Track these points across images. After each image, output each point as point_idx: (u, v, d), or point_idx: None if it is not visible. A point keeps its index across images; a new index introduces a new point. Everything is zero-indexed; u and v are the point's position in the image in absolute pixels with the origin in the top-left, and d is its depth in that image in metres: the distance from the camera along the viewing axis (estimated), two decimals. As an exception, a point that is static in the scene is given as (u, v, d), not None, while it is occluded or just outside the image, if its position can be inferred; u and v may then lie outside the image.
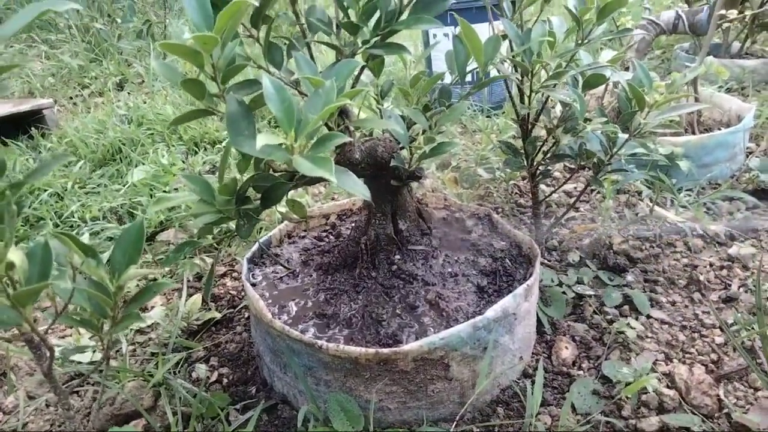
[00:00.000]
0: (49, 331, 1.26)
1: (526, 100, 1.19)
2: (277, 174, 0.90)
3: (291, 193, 1.01)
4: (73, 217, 1.63)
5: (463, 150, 1.93)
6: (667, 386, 1.01)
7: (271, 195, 0.87)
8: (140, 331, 1.22)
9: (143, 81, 3.07)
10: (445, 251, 1.14)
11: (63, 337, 1.25)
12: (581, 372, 1.07)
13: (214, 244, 1.50)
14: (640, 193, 1.65)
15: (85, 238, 1.40)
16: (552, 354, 1.11)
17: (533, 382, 1.03)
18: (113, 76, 3.06)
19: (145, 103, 2.51)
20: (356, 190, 0.74)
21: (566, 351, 1.11)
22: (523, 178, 1.82)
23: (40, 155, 2.06)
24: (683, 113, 1.41)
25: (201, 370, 1.10)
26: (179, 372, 1.08)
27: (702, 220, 1.40)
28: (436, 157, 1.84)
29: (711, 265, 1.36)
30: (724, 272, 1.33)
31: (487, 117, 2.25)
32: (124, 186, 1.80)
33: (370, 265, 1.07)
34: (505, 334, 1.00)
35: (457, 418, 0.93)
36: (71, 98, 2.87)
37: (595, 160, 1.23)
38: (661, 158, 1.52)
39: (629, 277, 1.32)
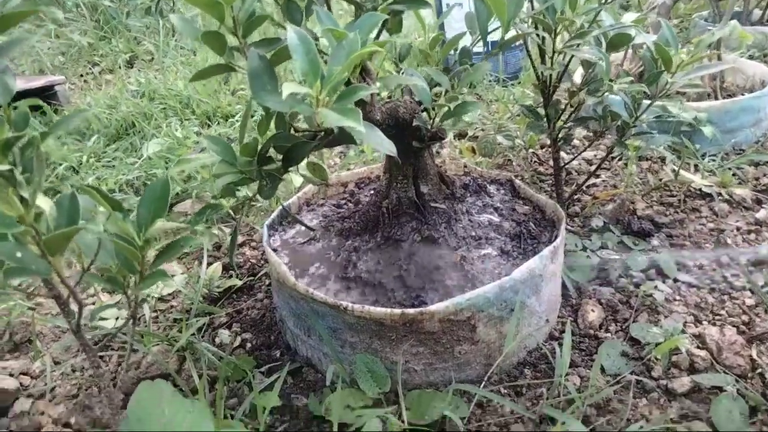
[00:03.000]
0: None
1: (548, 60, 1.16)
2: (298, 134, 0.88)
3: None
4: (90, 190, 1.62)
5: (480, 120, 1.90)
6: (698, 347, 0.99)
7: (293, 155, 0.85)
8: (162, 299, 1.22)
9: (153, 58, 3.05)
10: (468, 215, 1.12)
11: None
12: (608, 334, 1.06)
13: (231, 213, 1.49)
14: (663, 159, 1.62)
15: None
16: (578, 317, 1.10)
17: (560, 344, 1.02)
18: (123, 53, 3.04)
19: (156, 78, 2.49)
20: (382, 146, 0.72)
21: (593, 314, 1.09)
22: (542, 147, 1.79)
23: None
24: (710, 72, 1.37)
25: (224, 335, 1.09)
26: (203, 337, 1.07)
27: (729, 185, 1.37)
28: (454, 127, 1.81)
29: (738, 229, 1.33)
30: (752, 236, 1.30)
31: (504, 87, 2.22)
32: (139, 159, 1.79)
33: (392, 228, 1.05)
34: (531, 296, 0.98)
35: (485, 379, 0.92)
36: (81, 76, 2.86)
37: (619, 122, 1.20)
38: (686, 121, 1.49)
39: (654, 242, 1.30)
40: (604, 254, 1.23)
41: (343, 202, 1.30)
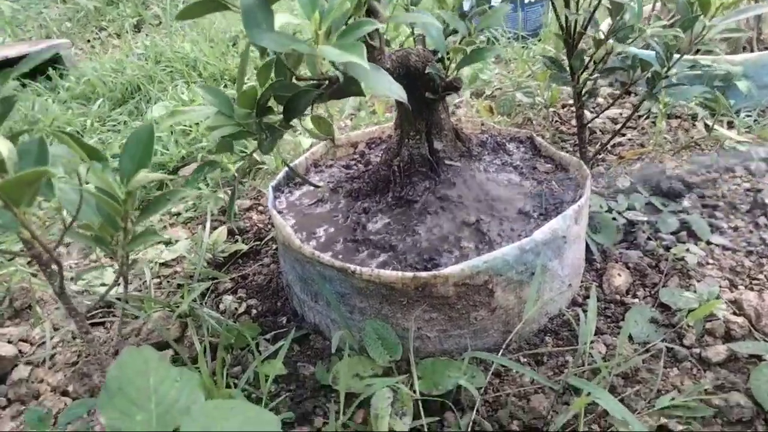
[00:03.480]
0: (72, 265, 1.22)
1: (573, 4, 1.07)
2: (300, 83, 0.81)
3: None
4: (94, 154, 1.57)
5: (497, 78, 1.81)
6: (734, 313, 0.92)
7: (295, 105, 0.78)
8: (165, 264, 1.17)
9: (160, 23, 2.97)
10: (486, 174, 1.04)
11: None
12: (636, 300, 0.99)
13: (232, 170, 1.44)
14: (694, 117, 1.52)
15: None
16: (603, 282, 1.03)
17: (584, 310, 0.96)
18: (130, 17, 2.96)
19: (162, 41, 2.42)
20: (390, 90, 0.65)
21: (619, 278, 1.02)
22: (563, 106, 1.69)
23: (58, 95, 2.00)
24: (750, 15, 1.26)
25: (228, 301, 1.04)
26: (206, 303, 1.03)
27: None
28: (470, 85, 1.73)
29: (776, 189, 1.24)
30: (792, 196, 1.21)
31: (523, 47, 2.11)
32: (145, 122, 1.73)
33: (404, 187, 0.99)
34: (553, 259, 0.91)
35: (503, 346, 0.86)
36: (88, 41, 2.79)
37: (650, 73, 1.11)
38: (719, 75, 1.39)
39: (685, 203, 1.21)
40: (631, 215, 1.15)
41: (353, 163, 1.23)
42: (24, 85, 2.10)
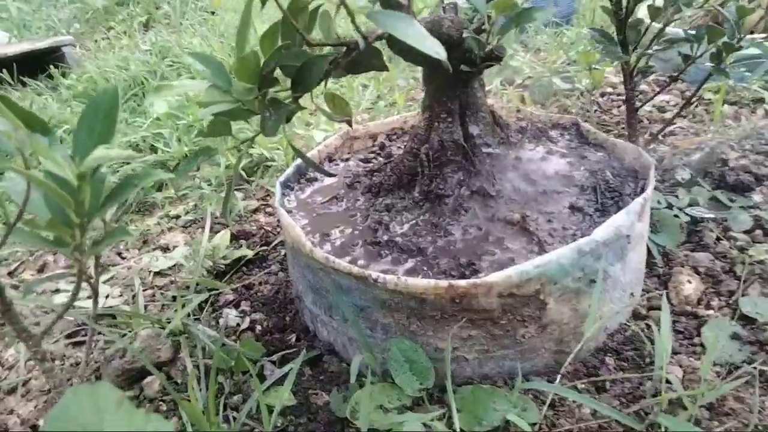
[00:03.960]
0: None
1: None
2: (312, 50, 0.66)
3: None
4: (90, 153, 1.44)
5: (529, 67, 1.65)
6: (840, 328, 0.75)
7: (305, 76, 0.64)
8: (160, 273, 1.04)
9: (170, 22, 2.86)
10: (529, 164, 0.89)
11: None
12: (711, 311, 0.83)
13: (245, 177, 1.30)
14: (756, 101, 1.35)
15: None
16: (670, 290, 0.87)
17: (649, 325, 0.80)
18: (140, 16, 2.86)
19: (170, 38, 2.30)
20: (424, 45, 0.51)
21: (689, 286, 0.86)
22: (602, 95, 1.53)
23: (60, 94, 1.88)
24: None
25: (230, 316, 0.90)
26: (203, 319, 0.88)
27: None
28: (500, 74, 1.57)
29: None
30: None
31: (555, 33, 1.95)
32: (147, 120, 1.61)
33: (433, 180, 0.84)
34: (615, 263, 0.76)
35: (561, 371, 0.71)
36: (96, 41, 2.69)
37: (720, 44, 0.95)
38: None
39: (756, 197, 1.05)
40: (695, 212, 0.99)
41: (372, 156, 1.08)
42: (24, 84, 2.00)
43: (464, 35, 0.71)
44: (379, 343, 0.75)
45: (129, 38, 2.64)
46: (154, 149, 1.46)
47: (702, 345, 0.78)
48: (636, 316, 0.84)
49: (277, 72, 0.67)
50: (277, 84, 0.63)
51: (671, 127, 1.31)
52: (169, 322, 0.82)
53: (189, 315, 0.88)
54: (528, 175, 0.87)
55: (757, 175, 1.10)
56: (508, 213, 0.80)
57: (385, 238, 0.79)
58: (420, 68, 0.87)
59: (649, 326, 0.81)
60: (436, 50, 0.51)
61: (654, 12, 0.97)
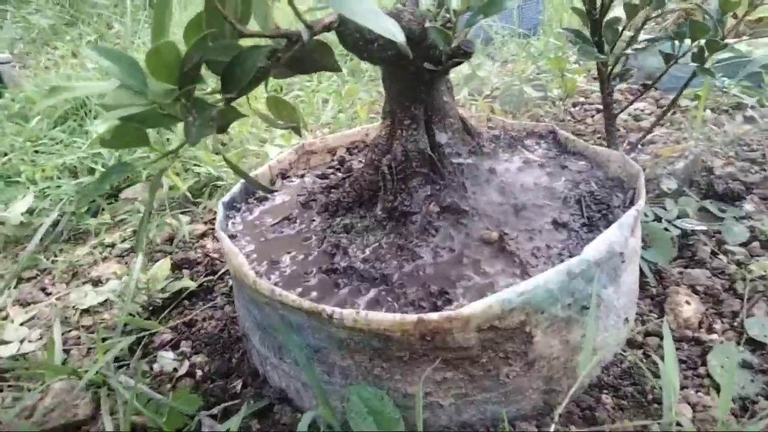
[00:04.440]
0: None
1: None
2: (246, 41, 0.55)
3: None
4: (20, 177, 1.30)
5: (496, 78, 1.58)
6: None
7: (236, 72, 0.53)
8: (87, 311, 0.90)
9: (120, 42, 2.73)
10: (505, 175, 0.79)
11: None
12: (715, 336, 0.74)
13: (191, 199, 1.18)
14: (735, 107, 1.29)
15: (27, 201, 1.09)
16: (666, 313, 0.77)
17: (646, 355, 0.70)
18: (89, 35, 2.72)
19: (120, 56, 2.17)
20: (385, 29, 0.40)
21: (688, 308, 0.77)
22: (574, 105, 1.46)
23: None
24: None
25: (166, 359, 0.77)
26: (133, 364, 0.75)
27: None
28: (467, 84, 1.49)
29: None
30: None
31: (524, 43, 1.88)
32: (87, 140, 1.47)
33: (398, 196, 0.73)
34: (608, 285, 0.66)
35: (555, 416, 0.60)
36: (39, 62, 2.54)
37: (702, 42, 0.87)
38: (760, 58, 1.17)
39: (747, 206, 0.97)
40: (687, 225, 0.91)
41: (330, 171, 0.97)
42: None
43: (427, 26, 0.61)
44: (338, 389, 0.63)
45: (76, 58, 2.50)
46: (91, 171, 1.32)
47: (708, 375, 0.68)
48: (631, 344, 0.74)
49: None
50: (202, 82, 0.52)
51: (649, 135, 1.24)
52: (87, 371, 0.69)
53: (117, 361, 0.74)
54: (504, 187, 0.77)
55: (745, 183, 1.03)
56: (484, 231, 0.69)
57: (344, 264, 0.67)
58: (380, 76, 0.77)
59: (647, 355, 0.72)
60: (392, 30, 0.40)
61: (631, 10, 0.89)
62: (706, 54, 0.89)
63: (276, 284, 0.67)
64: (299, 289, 0.66)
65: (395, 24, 0.41)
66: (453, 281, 0.64)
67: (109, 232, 1.10)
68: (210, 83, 0.58)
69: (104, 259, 1.03)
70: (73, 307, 0.90)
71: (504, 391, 0.62)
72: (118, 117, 0.50)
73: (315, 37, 0.57)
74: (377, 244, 0.70)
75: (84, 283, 0.97)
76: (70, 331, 0.86)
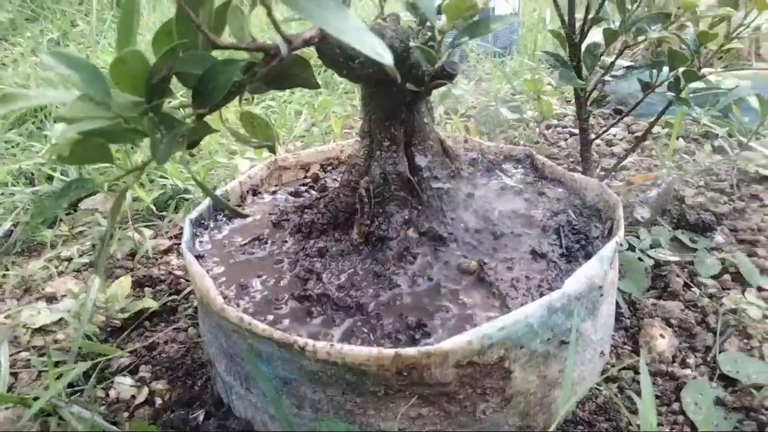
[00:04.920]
0: None
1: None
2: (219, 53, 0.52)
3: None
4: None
5: (472, 97, 1.57)
6: (834, 390, 0.67)
7: (209, 86, 0.50)
8: (41, 330, 0.84)
9: (85, 41, 2.64)
10: (483, 201, 0.78)
11: None
12: (688, 371, 0.73)
13: (155, 212, 1.13)
14: (704, 136, 1.31)
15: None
16: (641, 346, 0.77)
17: (621, 389, 0.69)
18: (51, 33, 2.62)
19: (87, 57, 2.09)
20: (362, 43, 0.38)
21: (662, 341, 0.76)
22: (548, 127, 1.47)
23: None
24: None
25: (123, 386, 0.73)
26: (87, 391, 0.70)
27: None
28: (443, 102, 1.48)
29: (817, 220, 1.03)
30: (840, 228, 1.00)
31: (500, 62, 1.89)
32: (46, 145, 1.40)
33: (375, 219, 0.71)
34: (587, 319, 0.65)
35: (532, 458, 0.58)
36: (-2, 60, 2.43)
37: (679, 72, 0.88)
38: (728, 89, 1.19)
39: (718, 238, 0.98)
40: (660, 255, 0.91)
41: (304, 189, 0.94)
42: None
43: (411, 45, 0.59)
44: (307, 423, 0.60)
45: (36, 56, 2.40)
46: (50, 178, 1.26)
47: (683, 412, 0.68)
48: (606, 378, 0.73)
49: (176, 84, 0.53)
50: (171, 95, 0.49)
51: (623, 162, 1.25)
52: (37, 399, 0.64)
53: (70, 386, 0.70)
54: (483, 214, 0.75)
55: (716, 213, 1.04)
56: (463, 260, 0.68)
57: (317, 291, 0.64)
58: (358, 93, 0.75)
59: (622, 390, 0.71)
60: (378, 50, 0.38)
61: (610, 36, 0.89)
62: (682, 83, 0.90)
63: (245, 310, 0.63)
64: (270, 317, 0.63)
65: (382, 44, 0.39)
66: (431, 312, 0.61)
67: (67, 245, 1.05)
68: (179, 95, 0.55)
69: (60, 273, 0.98)
70: (24, 325, 0.84)
71: (480, 427, 0.60)
72: (79, 131, 0.46)
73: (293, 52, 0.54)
74: (353, 270, 0.67)
75: (37, 299, 0.92)
76: (19, 352, 0.80)
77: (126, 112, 0.48)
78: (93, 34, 2.43)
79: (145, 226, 1.09)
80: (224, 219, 0.85)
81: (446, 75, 0.62)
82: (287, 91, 1.80)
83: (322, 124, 1.46)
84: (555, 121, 1.49)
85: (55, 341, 0.83)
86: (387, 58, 0.38)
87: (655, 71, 0.90)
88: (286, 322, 0.62)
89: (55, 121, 1.46)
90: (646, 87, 0.90)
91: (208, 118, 0.54)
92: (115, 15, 2.68)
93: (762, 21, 0.78)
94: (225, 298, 0.63)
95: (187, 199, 1.15)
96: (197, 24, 0.46)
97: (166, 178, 1.14)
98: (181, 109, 0.54)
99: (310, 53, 0.65)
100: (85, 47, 2.38)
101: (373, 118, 0.71)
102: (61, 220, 1.12)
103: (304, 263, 0.70)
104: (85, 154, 0.49)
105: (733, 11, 0.75)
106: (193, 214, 0.81)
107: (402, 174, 0.71)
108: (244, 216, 0.77)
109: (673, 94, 0.90)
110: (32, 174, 1.30)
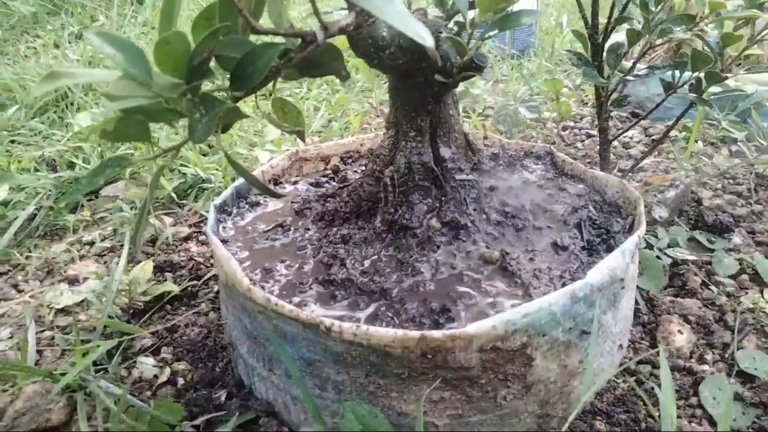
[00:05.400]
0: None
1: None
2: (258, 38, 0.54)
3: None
4: (-7, 168, 1.25)
5: (490, 96, 1.58)
6: None
7: (248, 69, 0.51)
8: (64, 311, 0.86)
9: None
10: (506, 194, 0.79)
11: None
12: (706, 366, 0.73)
13: (176, 200, 1.14)
14: (722, 140, 1.31)
15: (2, 193, 1.04)
16: (659, 341, 0.77)
17: (639, 382, 0.70)
18: (72, 26, 2.66)
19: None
20: (406, 26, 0.39)
21: (680, 337, 0.77)
22: (564, 129, 1.47)
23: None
24: None
25: (146, 365, 0.74)
26: (111, 369, 0.72)
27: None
28: (461, 100, 1.49)
29: (835, 224, 1.03)
30: None
31: (518, 64, 1.90)
32: (68, 133, 1.42)
33: (398, 208, 0.72)
34: (607, 310, 0.65)
35: (553, 443, 0.58)
36: (18, 49, 2.47)
37: (702, 73, 0.88)
38: (749, 93, 1.19)
39: (736, 239, 0.98)
40: (678, 254, 0.91)
41: (324, 180, 0.96)
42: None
43: (442, 35, 0.60)
44: (329, 405, 0.61)
45: (57, 48, 2.43)
46: (71, 165, 1.27)
47: (701, 406, 0.68)
48: (624, 371, 0.74)
49: (215, 67, 0.54)
50: (211, 77, 0.50)
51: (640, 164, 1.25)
52: (64, 374, 0.65)
53: (93, 365, 0.71)
54: (505, 206, 0.76)
55: (733, 215, 1.04)
56: (485, 249, 0.68)
57: (341, 276, 0.65)
58: (374, 91, 0.76)
59: (640, 383, 0.71)
60: (421, 33, 0.39)
61: (633, 36, 0.90)
62: (704, 85, 0.90)
63: (270, 293, 0.64)
64: (295, 299, 0.64)
65: (425, 28, 0.40)
66: (454, 299, 0.62)
67: (88, 230, 1.06)
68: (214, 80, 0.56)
69: (82, 257, 0.99)
70: (48, 305, 0.86)
71: (500, 413, 0.61)
72: (122, 108, 0.47)
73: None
74: (376, 256, 0.68)
75: (59, 281, 0.93)
76: (43, 331, 0.82)
77: (166, 93, 0.49)
78: (114, 27, 2.46)
79: (165, 214, 1.10)
80: (246, 206, 0.86)
81: (475, 67, 0.63)
82: (304, 88, 1.82)
83: (341, 120, 1.47)
84: (572, 123, 1.49)
85: (78, 321, 0.84)
86: (429, 41, 0.39)
87: (677, 72, 0.90)
88: (311, 304, 0.63)
89: (77, 110, 1.48)
90: (669, 87, 0.91)
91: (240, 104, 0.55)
92: (135, 11, 2.70)
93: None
94: (250, 280, 0.64)
95: (206, 189, 1.16)
96: (239, 8, 0.48)
97: (187, 166, 1.16)
98: (217, 92, 0.56)
99: (343, 44, 0.66)
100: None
101: (399, 108, 0.72)
102: (82, 205, 1.13)
103: (327, 249, 0.71)
104: (127, 131, 0.50)
105: (759, 13, 0.76)
106: (218, 201, 0.82)
107: (427, 164, 0.71)
108: (281, 196, 0.78)
109: (695, 95, 0.90)
110: (54, 161, 1.32)
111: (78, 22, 2.79)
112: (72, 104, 1.62)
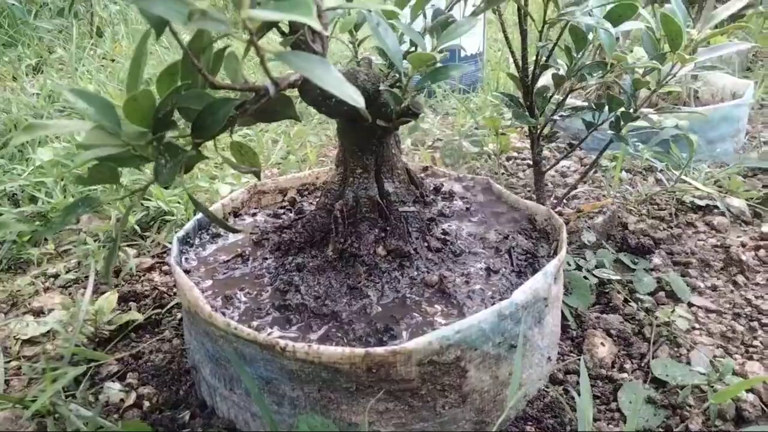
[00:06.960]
0: None
1: (538, 29, 0.94)
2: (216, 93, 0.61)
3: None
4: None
5: (438, 130, 1.68)
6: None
7: (207, 120, 0.58)
8: (30, 341, 0.90)
9: (63, 67, 2.69)
10: (444, 224, 0.87)
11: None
12: (625, 375, 0.83)
13: (140, 232, 1.19)
14: (647, 170, 1.44)
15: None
16: (584, 353, 0.86)
17: (566, 390, 0.78)
18: (29, 59, 2.67)
19: (63, 82, 2.15)
20: (341, 90, 0.47)
21: (603, 348, 0.86)
22: (508, 159, 1.58)
23: None
24: (723, 54, 1.19)
25: (113, 390, 0.78)
26: (79, 395, 0.76)
27: (738, 191, 1.20)
28: (409, 135, 1.58)
29: (743, 245, 1.15)
30: (762, 252, 1.12)
31: (465, 99, 2.02)
32: (27, 168, 1.45)
33: (348, 238, 0.79)
34: (533, 326, 0.74)
35: (484, 444, 0.66)
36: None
37: (618, 113, 1.00)
38: (670, 126, 1.32)
39: (656, 260, 1.09)
40: (604, 274, 1.01)
41: (282, 211, 1.02)
42: None
43: (381, 88, 0.68)
44: (286, 419, 0.68)
45: (15, 81, 2.44)
46: (34, 200, 1.31)
47: (619, 410, 0.77)
48: (553, 380, 0.82)
49: (177, 117, 0.61)
50: (174, 127, 0.57)
51: (573, 191, 1.36)
52: (33, 401, 0.70)
53: (61, 391, 0.75)
54: (445, 235, 0.84)
55: (654, 238, 1.15)
56: (426, 274, 0.76)
57: (296, 301, 0.72)
58: (332, 124, 0.84)
59: (567, 391, 0.80)
60: (354, 97, 0.47)
61: (558, 80, 1.01)
62: (621, 123, 1.01)
63: (231, 319, 0.70)
64: (253, 323, 0.70)
65: (357, 91, 0.48)
66: (397, 319, 0.70)
67: (52, 263, 1.10)
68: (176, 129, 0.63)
69: (47, 289, 1.03)
70: (14, 337, 0.89)
71: (440, 421, 0.68)
72: (96, 157, 0.54)
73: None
74: (328, 283, 0.75)
75: (24, 313, 0.97)
76: (9, 361, 0.85)
77: (134, 141, 0.56)
78: (72, 60, 2.48)
79: (129, 246, 1.15)
80: (208, 238, 0.92)
81: (411, 114, 0.71)
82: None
83: (298, 152, 1.55)
84: (515, 154, 1.60)
85: (45, 351, 0.88)
86: (360, 102, 0.47)
87: (597, 112, 1.01)
88: (267, 328, 0.70)
89: (38, 145, 1.51)
90: (590, 126, 1.02)
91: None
92: (94, 43, 2.73)
93: (684, 71, 0.90)
94: (212, 306, 0.70)
95: (168, 221, 1.21)
96: (199, 67, 0.55)
97: (150, 200, 1.21)
98: (180, 139, 0.63)
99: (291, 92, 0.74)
100: (65, 74, 2.43)
101: (347, 148, 0.80)
102: (46, 239, 1.17)
103: (283, 277, 0.77)
104: (99, 176, 0.57)
105: (658, 64, 0.87)
106: (180, 233, 0.88)
107: (373, 198, 0.79)
108: (238, 231, 0.85)
109: (613, 132, 1.01)
110: (15, 195, 1.35)
111: (35, 54, 2.79)
112: (33, 139, 1.65)
